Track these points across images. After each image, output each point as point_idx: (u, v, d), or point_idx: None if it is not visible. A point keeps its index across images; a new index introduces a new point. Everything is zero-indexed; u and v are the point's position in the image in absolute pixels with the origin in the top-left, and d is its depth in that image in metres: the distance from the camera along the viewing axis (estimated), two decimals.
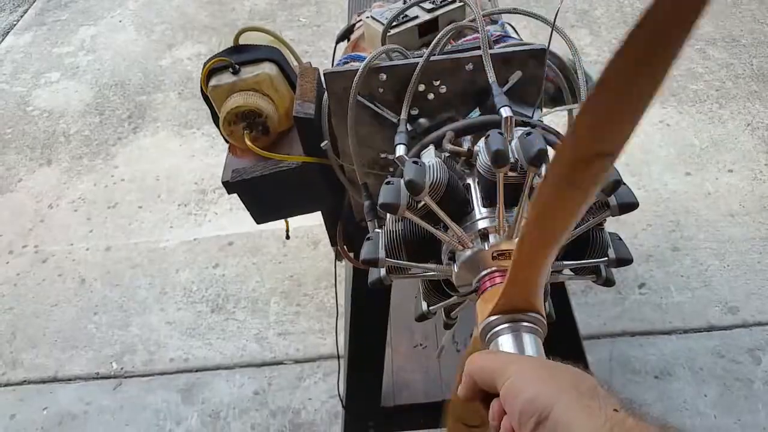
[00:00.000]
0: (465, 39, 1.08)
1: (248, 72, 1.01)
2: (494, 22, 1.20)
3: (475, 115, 0.92)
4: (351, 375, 1.54)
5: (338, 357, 1.67)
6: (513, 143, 0.74)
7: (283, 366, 2.08)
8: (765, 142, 2.64)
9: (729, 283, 2.16)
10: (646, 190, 2.49)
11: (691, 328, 2.05)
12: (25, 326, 2.30)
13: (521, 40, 1.18)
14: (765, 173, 2.51)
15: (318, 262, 2.35)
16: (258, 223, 1.12)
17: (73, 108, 3.34)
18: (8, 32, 4.11)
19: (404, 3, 1.22)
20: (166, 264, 2.44)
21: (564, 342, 1.43)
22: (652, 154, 2.64)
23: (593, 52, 3.20)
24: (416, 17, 1.16)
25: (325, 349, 2.09)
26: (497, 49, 0.91)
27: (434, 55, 0.89)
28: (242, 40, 1.06)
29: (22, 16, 4.26)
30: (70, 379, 2.14)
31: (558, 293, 1.48)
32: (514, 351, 0.63)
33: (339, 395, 1.73)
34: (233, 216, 2.55)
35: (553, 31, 0.89)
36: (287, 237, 1.24)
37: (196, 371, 2.10)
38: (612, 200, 0.73)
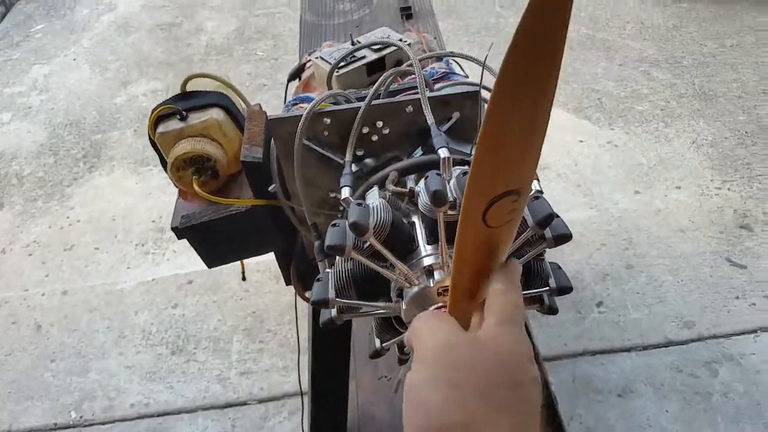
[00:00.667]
0: (410, 77, 1.11)
1: (196, 118, 1.03)
2: (439, 59, 1.24)
3: (418, 153, 0.95)
4: (315, 412, 1.53)
5: (302, 394, 1.67)
6: (451, 182, 0.76)
7: (247, 407, 2.06)
8: (710, 159, 2.74)
9: (683, 298, 2.22)
10: (598, 209, 2.55)
11: (650, 344, 2.10)
12: None
13: (465, 76, 1.22)
14: (711, 189, 2.60)
15: (281, 297, 2.35)
16: (209, 267, 1.12)
17: (26, 149, 3.30)
18: None
19: (352, 43, 1.25)
20: (123, 306, 2.41)
21: None
22: (601, 175, 2.71)
23: None
24: (363, 57, 1.19)
25: (289, 387, 2.07)
26: (435, 92, 0.94)
27: (376, 98, 0.91)
28: (189, 87, 1.08)
29: None
30: None
31: None
32: None
33: None
34: (192, 254, 2.51)
35: (488, 70, 0.92)
36: (243, 278, 1.24)
37: (158, 416, 2.06)
38: (547, 233, 0.76)
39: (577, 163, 2.78)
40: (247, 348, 2.21)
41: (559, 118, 3.04)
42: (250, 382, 2.11)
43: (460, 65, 1.30)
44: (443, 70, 1.20)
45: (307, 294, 1.22)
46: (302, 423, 1.74)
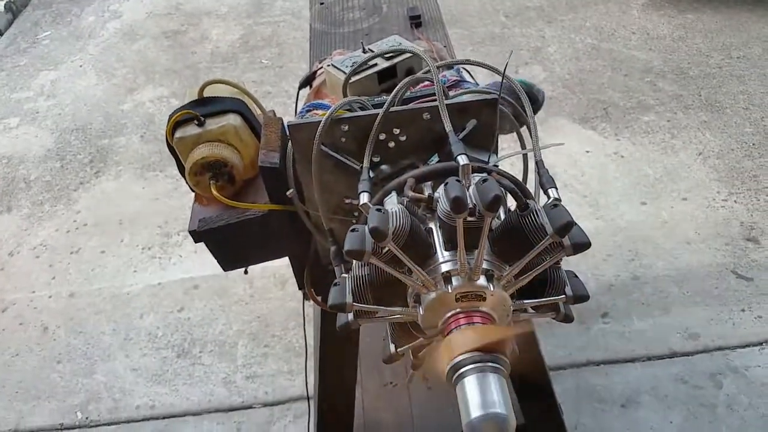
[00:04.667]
0: (422, 85, 1.12)
1: (213, 123, 1.04)
2: (449, 67, 1.25)
3: (434, 160, 0.95)
4: (321, 417, 1.53)
5: (308, 398, 1.67)
6: (470, 189, 0.77)
7: (252, 410, 2.06)
8: (716, 171, 2.74)
9: (688, 310, 2.22)
10: (604, 220, 2.56)
11: (654, 355, 2.10)
12: None
13: (476, 83, 1.23)
14: (718, 201, 2.60)
15: (286, 302, 2.35)
16: (225, 270, 1.13)
17: (34, 154, 3.31)
18: None
19: (363, 51, 1.26)
20: (130, 309, 2.41)
21: (531, 374, 1.45)
22: (608, 185, 2.72)
23: (548, 87, 3.29)
24: (375, 65, 1.20)
25: (294, 391, 2.08)
26: (453, 99, 0.95)
27: (393, 105, 0.92)
28: (206, 93, 1.09)
29: None
30: (32, 431, 2.09)
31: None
32: (475, 389, 0.66)
33: None
34: (198, 258, 2.54)
35: (508, 80, 0.93)
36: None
37: (163, 418, 2.07)
38: (566, 241, 0.77)
39: (584, 173, 2.79)
40: (252, 352, 2.22)
41: (565, 128, 3.05)
42: (255, 385, 2.12)
43: (470, 73, 1.31)
44: (455, 78, 1.21)
45: (319, 298, 1.23)
46: (308, 427, 1.74)
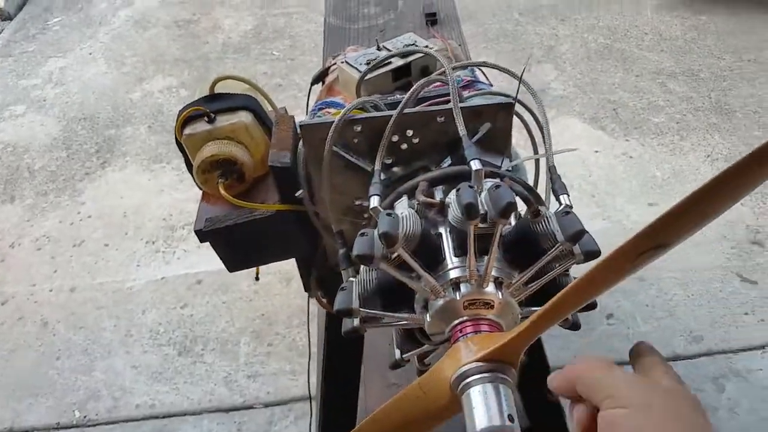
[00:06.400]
0: (436, 84, 1.11)
1: (224, 120, 1.02)
2: (463, 67, 1.23)
3: (447, 163, 0.94)
4: (324, 418, 1.53)
5: (310, 399, 1.66)
6: (483, 195, 0.76)
7: (253, 410, 2.05)
8: None
9: (693, 312, 2.21)
10: (611, 221, 2.54)
11: None
12: None
13: (490, 84, 1.22)
14: None
15: (290, 300, 2.34)
16: (231, 271, 1.12)
17: (39, 142, 3.30)
18: None
19: (378, 48, 1.25)
20: (132, 305, 2.40)
21: (536, 376, 1.44)
22: (615, 186, 2.70)
23: (559, 86, 3.28)
24: (390, 62, 1.19)
25: (296, 391, 2.07)
26: (468, 102, 0.94)
27: (407, 107, 0.91)
28: (218, 88, 1.07)
29: None
30: (27, 431, 2.06)
31: None
32: (482, 400, 0.65)
33: None
34: (202, 253, 2.53)
35: (525, 85, 0.92)
36: (257, 278, 1.24)
37: (163, 417, 2.05)
38: (576, 249, 0.76)
39: (592, 173, 2.77)
40: (255, 351, 2.21)
41: (574, 127, 3.03)
42: (257, 385, 2.11)
43: (484, 73, 1.29)
44: (468, 78, 1.20)
45: (325, 301, 1.22)
46: (310, 428, 1.73)
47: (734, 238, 2.45)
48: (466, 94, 1.06)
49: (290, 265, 2.19)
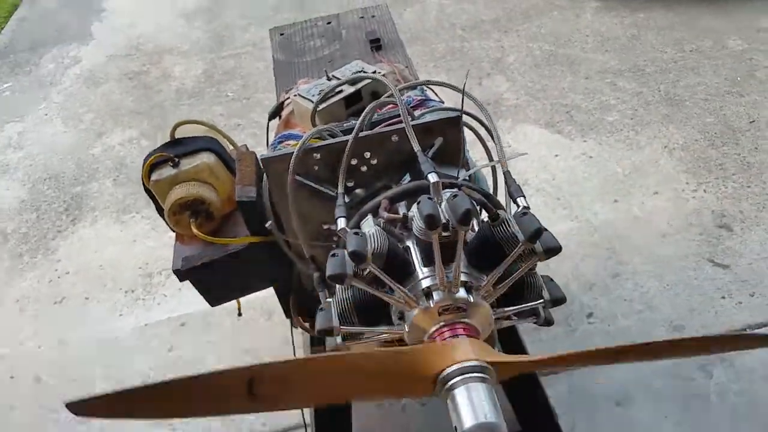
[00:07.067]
0: (389, 107, 1.15)
1: (187, 163, 1.06)
2: (413, 87, 1.28)
3: (406, 180, 0.99)
4: None
5: (305, 426, 1.67)
6: (443, 205, 0.80)
7: None
8: (683, 162, 2.80)
9: (671, 302, 2.24)
10: (579, 221, 2.59)
11: None
12: None
13: (441, 101, 1.27)
14: (688, 192, 2.65)
15: (275, 332, 2.34)
16: (213, 305, 1.14)
17: (8, 206, 3.28)
18: None
19: (327, 78, 1.29)
20: (120, 353, 2.39)
21: (522, 381, 1.48)
22: (579, 186, 2.76)
23: (511, 96, 3.35)
24: (341, 91, 1.24)
25: (290, 420, 2.07)
26: (418, 120, 0.98)
27: (362, 131, 0.95)
28: (178, 134, 1.11)
29: None
30: None
31: (510, 334, 1.54)
32: (467, 401, 0.69)
33: None
34: (182, 296, 2.53)
35: (468, 96, 0.97)
36: (239, 315, 1.26)
37: None
38: (538, 247, 0.80)
39: (555, 176, 2.83)
40: None
41: (532, 134, 3.10)
42: (251, 418, 2.10)
43: (434, 91, 1.34)
44: (419, 98, 1.25)
45: (306, 324, 1.24)
46: None
47: (701, 224, 2.50)
48: (418, 112, 1.11)
49: (271, 299, 2.19)
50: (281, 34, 1.99)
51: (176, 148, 1.07)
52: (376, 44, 1.77)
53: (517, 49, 3.75)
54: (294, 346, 1.71)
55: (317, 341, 1.26)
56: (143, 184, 1.07)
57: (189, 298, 2.49)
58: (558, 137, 3.06)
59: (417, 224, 0.81)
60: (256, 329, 2.37)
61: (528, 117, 3.20)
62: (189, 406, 0.68)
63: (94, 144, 3.62)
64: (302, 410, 1.71)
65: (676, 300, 2.24)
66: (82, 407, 0.62)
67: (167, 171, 1.05)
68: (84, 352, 2.41)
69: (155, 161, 1.04)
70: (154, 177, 1.05)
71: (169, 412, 0.69)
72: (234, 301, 1.36)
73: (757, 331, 2.14)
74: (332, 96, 1.22)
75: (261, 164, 0.96)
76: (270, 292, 1.29)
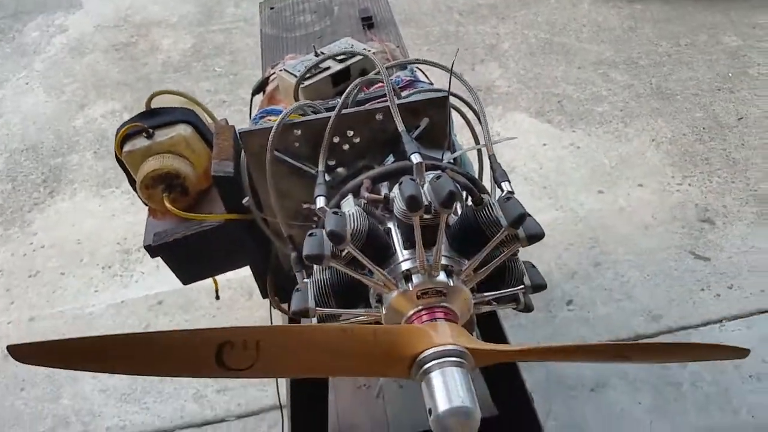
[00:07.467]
0: (376, 86, 1.12)
1: (163, 135, 1.02)
2: (403, 67, 1.25)
3: (390, 160, 0.96)
4: (295, 424, 1.52)
5: (281, 407, 1.65)
6: (425, 187, 0.77)
7: (225, 423, 2.03)
8: (670, 156, 2.80)
9: (650, 292, 2.26)
10: (564, 210, 2.59)
11: (620, 338, 2.13)
12: None
13: (430, 83, 1.24)
14: (673, 185, 2.66)
15: (254, 312, 2.32)
16: (185, 284, 1.11)
17: None
18: None
19: (315, 54, 1.26)
20: (93, 330, 2.35)
21: (500, 366, 1.46)
22: (566, 176, 2.76)
23: (503, 84, 3.33)
24: (328, 68, 1.20)
25: (267, 401, 2.05)
26: (403, 99, 0.95)
27: (345, 108, 0.92)
28: (154, 104, 1.07)
29: None
30: None
31: (490, 319, 1.52)
32: (442, 385, 0.67)
33: None
34: (160, 274, 2.49)
35: (456, 77, 0.94)
36: (217, 297, 1.23)
37: None
38: (521, 232, 0.78)
39: (542, 165, 2.82)
40: None
41: (522, 122, 3.09)
42: (227, 398, 2.09)
43: (424, 73, 1.31)
44: (408, 78, 1.22)
45: (284, 306, 1.22)
46: None
47: (684, 217, 2.52)
48: (405, 93, 1.08)
49: (251, 279, 2.17)
50: (271, 8, 1.94)
51: (152, 119, 1.04)
52: (368, 22, 1.73)
53: (513, 36, 3.72)
54: None
55: (294, 323, 1.23)
56: (116, 155, 1.03)
57: (167, 275, 2.44)
58: (547, 126, 3.04)
59: (398, 206, 0.78)
60: (236, 309, 2.35)
61: (519, 105, 3.18)
62: (142, 364, 0.66)
63: (76, 115, 3.56)
64: (278, 392, 1.69)
65: (656, 290, 2.27)
66: (23, 351, 0.61)
67: (141, 142, 1.01)
68: (56, 328, 2.38)
69: (129, 131, 1.01)
70: (126, 148, 1.01)
71: (114, 367, 0.67)
72: (211, 280, 1.33)
73: (733, 322, 2.16)
74: (319, 72, 1.18)
75: (239, 138, 0.92)
76: (250, 271, 1.26)
